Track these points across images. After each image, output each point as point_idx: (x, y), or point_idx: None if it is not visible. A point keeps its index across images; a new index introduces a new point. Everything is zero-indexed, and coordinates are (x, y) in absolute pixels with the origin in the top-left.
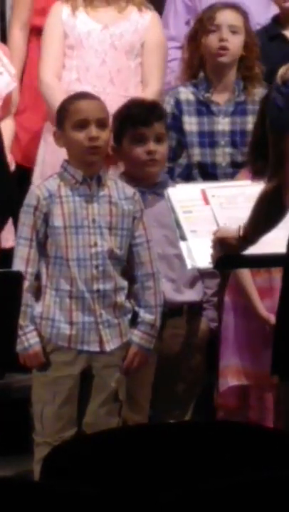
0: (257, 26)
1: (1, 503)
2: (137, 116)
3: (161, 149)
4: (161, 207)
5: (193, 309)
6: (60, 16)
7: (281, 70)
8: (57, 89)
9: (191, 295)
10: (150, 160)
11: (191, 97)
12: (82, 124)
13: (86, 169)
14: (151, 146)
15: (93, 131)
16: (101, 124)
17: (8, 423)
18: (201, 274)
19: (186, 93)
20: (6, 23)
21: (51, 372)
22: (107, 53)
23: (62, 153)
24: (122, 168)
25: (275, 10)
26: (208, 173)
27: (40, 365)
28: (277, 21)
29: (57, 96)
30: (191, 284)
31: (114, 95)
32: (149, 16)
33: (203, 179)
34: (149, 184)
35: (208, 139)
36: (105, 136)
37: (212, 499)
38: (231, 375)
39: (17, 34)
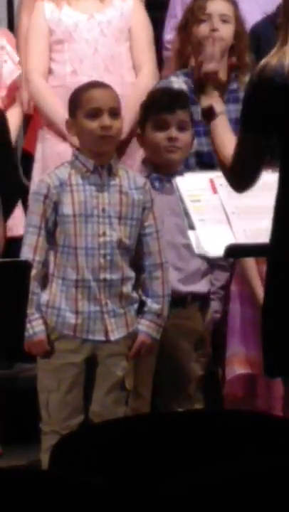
0: (263, 15)
1: (10, 492)
2: (160, 102)
3: (184, 137)
4: (177, 196)
5: (199, 301)
6: (43, 13)
7: (261, 64)
8: (46, 90)
9: (196, 286)
10: (171, 146)
11: (184, 87)
12: (95, 113)
13: (97, 158)
14: (173, 132)
15: (106, 120)
16: (113, 112)
17: (16, 413)
18: (212, 266)
19: (178, 82)
20: (14, 11)
21: (55, 359)
22: (98, 41)
23: (62, 147)
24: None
25: None
26: (205, 162)
27: (45, 353)
28: None
29: (46, 96)
30: (199, 276)
31: (111, 83)
32: None
33: (200, 168)
34: (168, 172)
35: (204, 128)
36: (118, 125)
37: (220, 488)
38: (238, 363)
39: (26, 22)
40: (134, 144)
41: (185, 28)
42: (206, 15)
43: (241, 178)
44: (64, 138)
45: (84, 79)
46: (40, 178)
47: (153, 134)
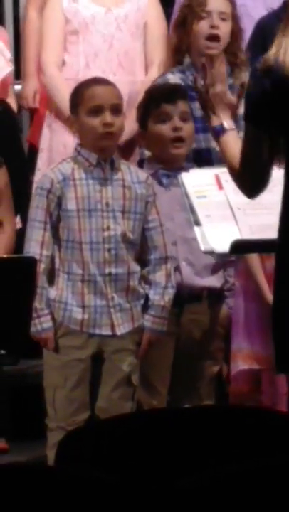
0: (269, 10)
1: (16, 488)
2: (160, 94)
3: (187, 127)
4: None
5: (214, 296)
6: (60, 3)
7: (263, 57)
8: (60, 81)
9: (211, 281)
10: (176, 137)
11: (180, 84)
12: (97, 110)
13: (100, 154)
14: (177, 122)
15: (108, 117)
16: (115, 109)
17: (23, 409)
18: (224, 262)
19: (175, 79)
20: (20, 8)
21: (62, 355)
22: (114, 36)
23: (69, 141)
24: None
25: None
26: (203, 158)
27: (50, 348)
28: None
29: (60, 87)
30: (213, 271)
31: (123, 81)
32: None
33: (198, 165)
34: (175, 167)
35: (201, 125)
36: (119, 121)
37: (226, 484)
38: (242, 359)
39: (33, 17)
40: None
41: (182, 24)
42: (205, 12)
43: (252, 180)
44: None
45: (97, 73)
46: (43, 173)
47: (156, 127)
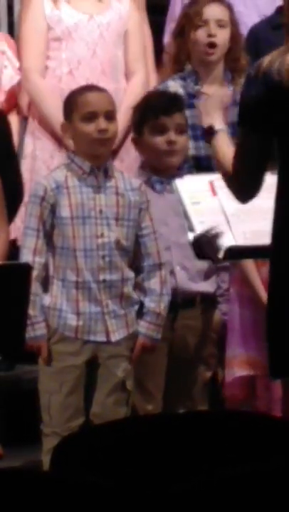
0: (262, 17)
1: (11, 493)
2: (158, 106)
3: (182, 140)
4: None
5: (207, 301)
6: (42, 10)
7: (259, 61)
8: (44, 88)
9: (205, 286)
10: (170, 150)
11: (181, 91)
12: (91, 117)
13: (93, 161)
14: (172, 136)
15: (102, 123)
16: (109, 116)
17: (18, 414)
18: (217, 268)
19: (175, 86)
20: (14, 17)
21: (57, 362)
22: (98, 44)
23: (53, 149)
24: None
25: (280, 2)
26: (203, 166)
27: (43, 357)
28: (281, 11)
29: (44, 94)
30: (206, 276)
31: (107, 89)
32: (127, 0)
33: (197, 172)
34: (168, 175)
35: (202, 132)
36: (113, 128)
37: (221, 489)
38: (238, 365)
39: None
40: (125, 147)
41: (181, 33)
42: (202, 21)
43: (244, 184)
44: (59, 141)
45: (80, 81)
46: (25, 180)
47: (151, 138)
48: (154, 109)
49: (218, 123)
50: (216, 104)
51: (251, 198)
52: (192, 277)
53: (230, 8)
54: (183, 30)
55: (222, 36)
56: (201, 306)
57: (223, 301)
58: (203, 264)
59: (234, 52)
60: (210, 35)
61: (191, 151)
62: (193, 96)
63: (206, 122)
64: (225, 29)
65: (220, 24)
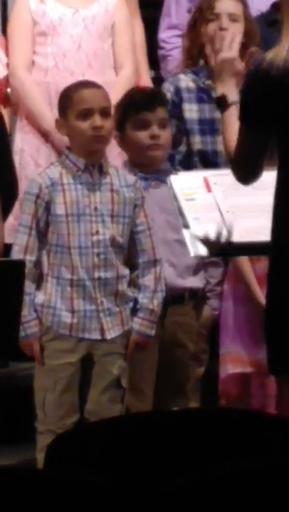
0: (258, 13)
1: (5, 491)
2: (140, 101)
3: (165, 134)
4: (163, 193)
5: (196, 297)
6: (28, 5)
7: (259, 57)
8: (31, 84)
9: (193, 282)
10: (154, 144)
11: (192, 85)
12: (87, 113)
13: (88, 157)
14: (155, 130)
15: (97, 120)
16: (105, 112)
17: (12, 412)
18: (205, 263)
19: (186, 80)
20: (8, 9)
21: (52, 360)
22: (82, 37)
23: (39, 143)
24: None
25: None
26: (209, 161)
27: (35, 355)
28: (276, 7)
29: (31, 90)
30: (194, 272)
31: (95, 80)
32: None
33: (204, 167)
34: (152, 170)
35: (209, 127)
36: (109, 124)
37: (215, 487)
38: (231, 362)
39: None
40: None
41: (194, 27)
42: (214, 14)
43: (244, 172)
44: (45, 136)
45: (66, 74)
46: (32, 178)
47: (134, 134)
48: (137, 105)
49: (232, 94)
50: (230, 69)
51: (250, 183)
52: (180, 273)
53: (244, 2)
54: (195, 24)
55: (234, 30)
56: (190, 302)
57: (212, 297)
58: (190, 260)
59: (249, 47)
60: (221, 29)
61: (198, 146)
62: (204, 90)
63: (218, 89)
64: (237, 23)
65: (232, 18)
